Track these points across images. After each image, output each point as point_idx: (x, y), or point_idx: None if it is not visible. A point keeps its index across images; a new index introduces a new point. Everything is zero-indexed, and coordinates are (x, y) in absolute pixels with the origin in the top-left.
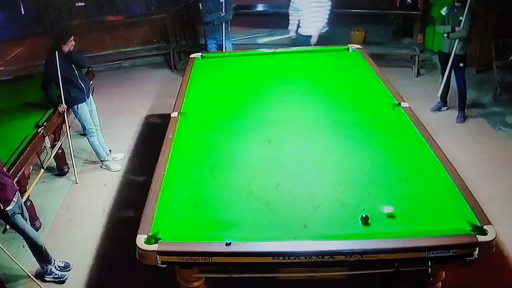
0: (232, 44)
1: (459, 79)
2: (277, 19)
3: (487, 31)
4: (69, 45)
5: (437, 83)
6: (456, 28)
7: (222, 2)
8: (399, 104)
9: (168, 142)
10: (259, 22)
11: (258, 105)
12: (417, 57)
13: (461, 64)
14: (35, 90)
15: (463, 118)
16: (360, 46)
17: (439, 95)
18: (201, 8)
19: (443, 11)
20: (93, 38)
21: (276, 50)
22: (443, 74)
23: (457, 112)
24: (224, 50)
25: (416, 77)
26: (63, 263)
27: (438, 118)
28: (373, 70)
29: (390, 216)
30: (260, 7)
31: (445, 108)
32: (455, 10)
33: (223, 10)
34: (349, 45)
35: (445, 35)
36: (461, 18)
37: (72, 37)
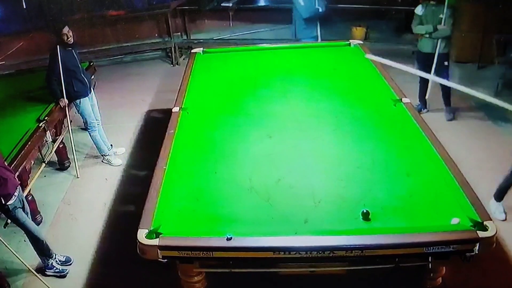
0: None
1: (444, 78)
2: (279, 14)
3: (489, 27)
4: (67, 36)
5: None
6: (439, 27)
7: None
8: (400, 99)
9: (169, 136)
10: (261, 17)
11: (259, 100)
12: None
13: (446, 63)
14: (36, 85)
15: (452, 113)
16: (361, 42)
17: (427, 97)
18: (301, 3)
19: (419, 11)
20: (95, 33)
21: None
22: (422, 76)
23: (444, 108)
24: (320, 39)
25: None
26: (64, 257)
27: (438, 114)
28: (375, 65)
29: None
30: (262, 2)
31: (425, 110)
32: (433, 8)
33: (318, 4)
34: (350, 40)
35: (427, 35)
36: (441, 16)
37: (66, 27)
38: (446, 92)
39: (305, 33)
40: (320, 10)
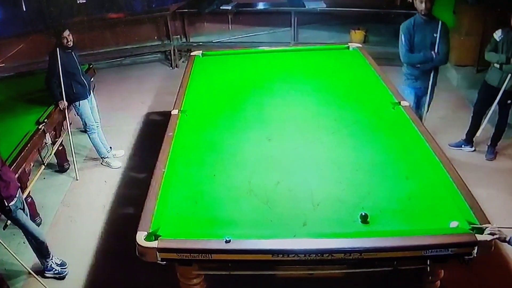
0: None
1: (503, 116)
2: (278, 17)
3: (488, 30)
4: (67, 39)
5: (440, 82)
6: None
7: (436, 37)
8: (399, 103)
9: (168, 139)
10: (260, 20)
11: (258, 103)
12: None
13: (509, 101)
14: (36, 87)
15: (493, 154)
16: (360, 45)
17: (478, 134)
18: (402, 41)
19: (497, 36)
20: (94, 35)
21: None
22: (482, 110)
23: (487, 147)
24: (426, 106)
25: None
26: (60, 260)
27: (437, 118)
28: (374, 69)
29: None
30: (261, 5)
31: (469, 147)
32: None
33: (436, 49)
34: (349, 43)
35: (497, 65)
36: None
37: (66, 31)
38: (500, 132)
39: (406, 84)
40: (435, 56)
